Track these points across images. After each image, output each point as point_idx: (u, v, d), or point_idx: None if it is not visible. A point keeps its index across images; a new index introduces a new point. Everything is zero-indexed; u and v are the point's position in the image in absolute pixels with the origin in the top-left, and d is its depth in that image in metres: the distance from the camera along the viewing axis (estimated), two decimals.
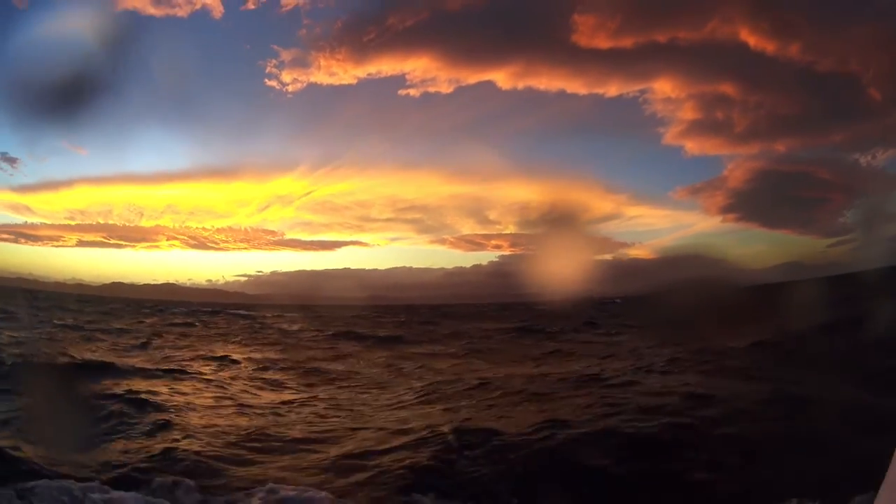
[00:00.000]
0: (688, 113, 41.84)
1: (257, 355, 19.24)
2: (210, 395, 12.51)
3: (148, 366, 15.48)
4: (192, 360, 17.44)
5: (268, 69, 46.17)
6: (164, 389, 12.45)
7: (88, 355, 15.99)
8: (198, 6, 40.10)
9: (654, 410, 8.97)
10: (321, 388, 13.87)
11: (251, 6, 43.82)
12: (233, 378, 14.89)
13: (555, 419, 8.42)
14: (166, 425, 9.20)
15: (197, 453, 7.78)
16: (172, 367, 15.66)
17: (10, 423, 8.50)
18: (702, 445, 7.69)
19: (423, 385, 12.85)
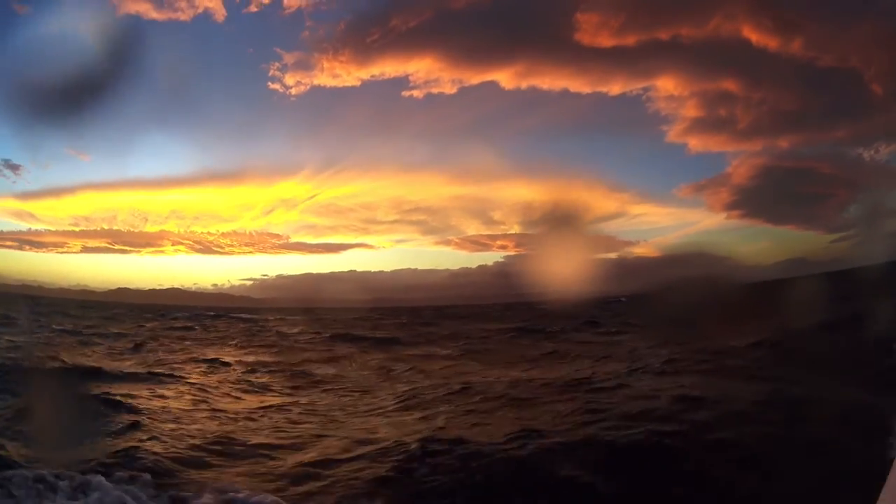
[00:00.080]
0: (691, 110, 41.18)
1: (250, 358, 19.11)
2: (189, 398, 12.33)
3: (137, 369, 15.44)
4: (183, 363, 17.35)
5: (271, 72, 46.54)
6: (144, 393, 12.37)
7: (80, 360, 16.02)
8: (200, 10, 40.61)
9: (639, 416, 8.40)
10: (304, 393, 13.60)
11: (253, 9, 44.24)
12: (218, 382, 14.71)
13: (529, 428, 7.93)
14: (136, 426, 9.19)
15: (157, 454, 7.74)
16: (161, 370, 15.55)
17: None
18: (686, 454, 7.12)
19: (406, 390, 12.46)
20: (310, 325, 32.27)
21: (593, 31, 37.43)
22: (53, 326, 23.11)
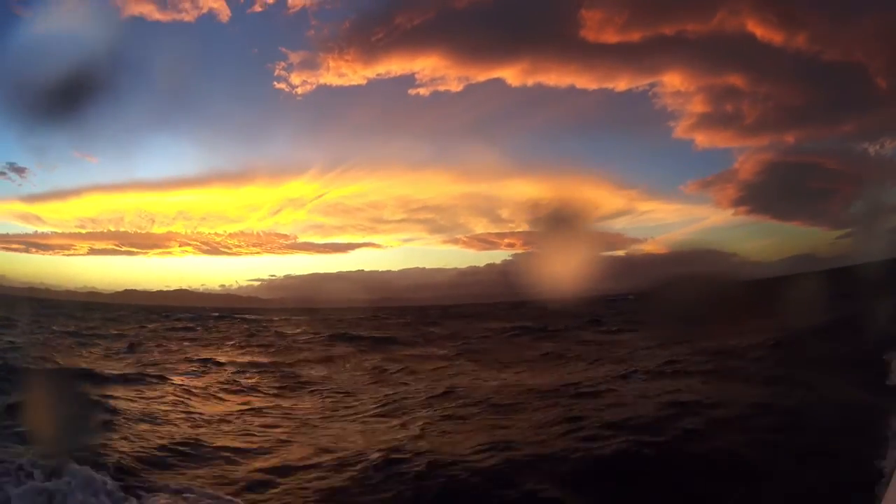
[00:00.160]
0: (697, 106, 40.28)
1: (244, 359, 19.00)
2: (170, 400, 12.19)
3: (129, 370, 15.44)
4: (176, 364, 17.31)
5: (276, 72, 46.74)
6: (128, 394, 12.33)
7: (73, 361, 16.12)
8: (204, 10, 40.93)
9: (621, 425, 7.81)
10: (290, 394, 13.36)
11: (258, 9, 44.45)
12: (206, 383, 14.57)
13: (501, 438, 7.46)
14: (109, 426, 9.21)
15: (122, 453, 7.72)
16: (152, 371, 15.52)
17: None
18: (666, 467, 6.53)
19: (389, 394, 12.08)
20: (313, 325, 32.22)
21: (598, 28, 36.71)
22: (54, 328, 23.48)
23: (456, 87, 44.18)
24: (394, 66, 43.00)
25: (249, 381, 15.23)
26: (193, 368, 16.58)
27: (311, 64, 47.25)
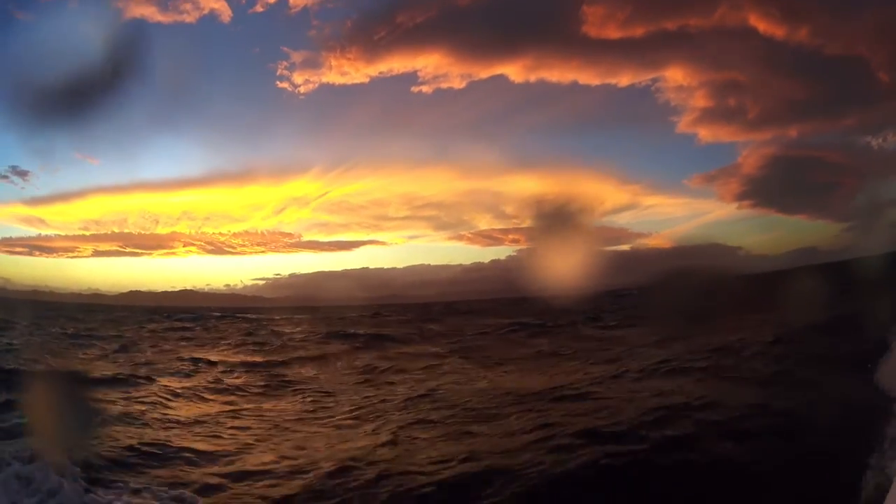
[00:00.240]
0: (700, 100, 39.43)
1: (235, 358, 18.87)
2: (151, 401, 12.03)
3: (119, 371, 15.38)
4: (167, 364, 17.23)
5: (279, 71, 46.67)
6: (109, 395, 12.18)
7: (65, 363, 16.17)
8: (206, 11, 40.94)
9: (597, 433, 7.27)
10: (272, 395, 13.15)
11: (259, 9, 44.32)
12: (192, 384, 14.42)
13: (467, 449, 6.99)
14: (83, 426, 9.04)
15: (91, 452, 7.64)
16: (140, 372, 15.44)
17: None
18: (636, 482, 6.00)
19: (370, 395, 11.74)
20: (313, 323, 32.13)
21: (601, 23, 35.96)
22: (52, 330, 23.73)
23: (458, 84, 43.61)
24: (396, 64, 42.56)
25: (236, 381, 15.05)
26: (183, 368, 16.49)
27: (314, 63, 47.03)
